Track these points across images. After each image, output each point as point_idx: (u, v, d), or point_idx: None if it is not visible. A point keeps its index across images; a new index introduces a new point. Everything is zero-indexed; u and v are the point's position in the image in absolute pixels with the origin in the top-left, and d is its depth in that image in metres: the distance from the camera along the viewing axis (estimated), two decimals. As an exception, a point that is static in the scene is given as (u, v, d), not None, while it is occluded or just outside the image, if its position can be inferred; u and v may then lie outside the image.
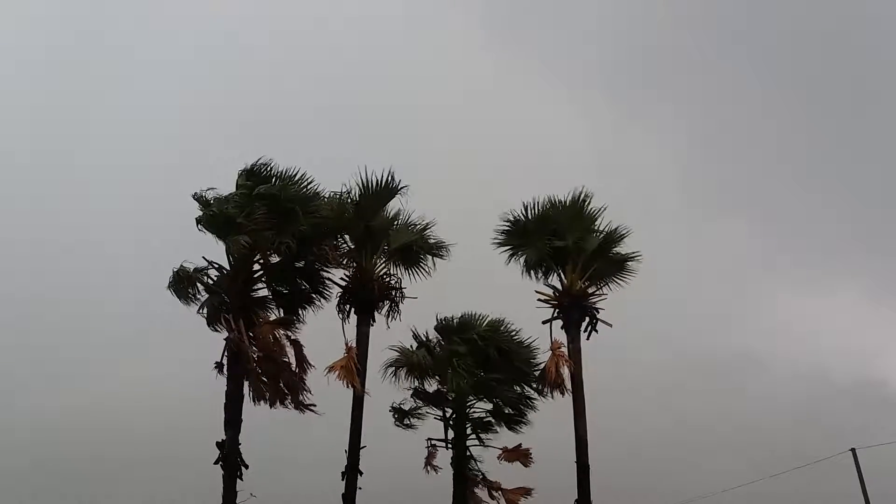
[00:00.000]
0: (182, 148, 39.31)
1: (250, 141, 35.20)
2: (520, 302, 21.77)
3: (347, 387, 18.55)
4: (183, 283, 18.95)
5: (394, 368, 20.98)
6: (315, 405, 18.97)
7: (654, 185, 41.57)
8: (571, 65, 50.21)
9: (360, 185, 20.31)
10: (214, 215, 18.87)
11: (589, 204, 21.68)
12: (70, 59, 42.55)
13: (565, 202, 21.64)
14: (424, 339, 21.23)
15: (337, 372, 18.46)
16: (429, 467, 20.19)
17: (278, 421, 18.78)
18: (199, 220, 19.10)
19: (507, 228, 21.87)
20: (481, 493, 20.69)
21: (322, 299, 20.35)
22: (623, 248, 21.61)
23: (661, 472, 26.35)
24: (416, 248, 21.04)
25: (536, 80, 46.77)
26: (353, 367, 18.80)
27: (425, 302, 21.16)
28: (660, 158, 44.51)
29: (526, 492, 20.10)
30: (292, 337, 19.25)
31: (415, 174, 20.99)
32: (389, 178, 20.25)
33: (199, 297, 19.23)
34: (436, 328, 21.22)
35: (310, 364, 19.07)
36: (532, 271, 21.86)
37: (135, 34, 46.03)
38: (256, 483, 17.54)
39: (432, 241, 21.21)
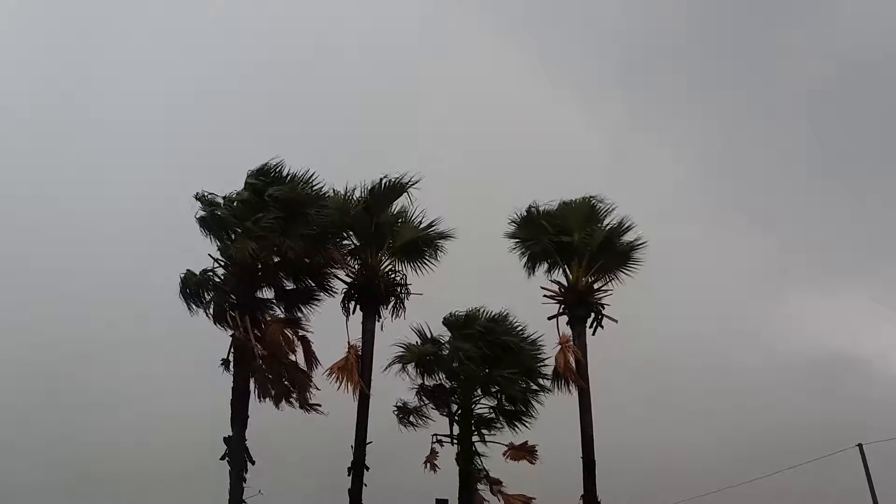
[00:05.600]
0: (182, 148, 39.13)
1: (251, 140, 35.24)
2: (527, 300, 21.87)
3: (346, 390, 18.64)
4: (192, 287, 18.90)
5: (401, 364, 20.90)
6: (320, 405, 18.97)
7: (664, 187, 41.54)
8: (583, 66, 50.18)
9: (370, 183, 20.47)
10: (220, 218, 18.86)
11: (597, 203, 21.94)
12: (69, 59, 42.47)
13: (574, 201, 21.92)
14: (430, 335, 21.17)
15: (335, 374, 18.61)
16: (429, 464, 20.07)
17: (285, 417, 18.77)
18: (201, 222, 19.10)
19: (516, 224, 22.05)
20: (484, 490, 20.63)
21: (327, 297, 20.37)
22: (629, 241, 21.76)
23: (666, 468, 26.31)
24: (422, 243, 21.06)
25: (547, 81, 46.67)
26: (353, 367, 18.86)
27: (431, 300, 21.24)
28: (669, 160, 44.48)
29: (527, 500, 19.98)
30: (301, 334, 19.26)
31: (422, 173, 20.98)
32: (398, 176, 20.43)
33: (205, 298, 19.20)
34: (444, 323, 21.17)
35: (318, 361, 19.10)
36: (538, 266, 21.98)
37: (135, 34, 45.83)
38: (264, 479, 17.55)
39: (438, 236, 21.21)
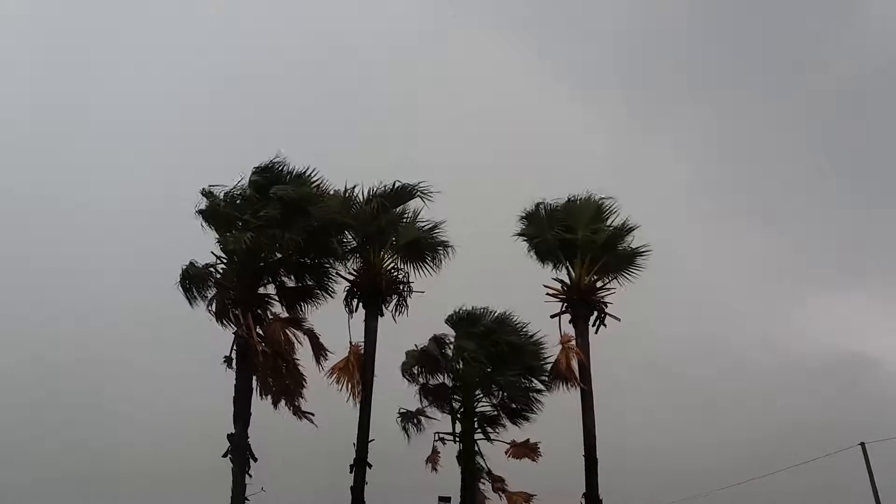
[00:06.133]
0: (182, 148, 39.07)
1: (251, 140, 35.22)
2: (529, 299, 21.87)
3: (346, 391, 18.65)
4: (192, 280, 18.90)
5: (404, 364, 20.87)
6: (313, 413, 18.89)
7: (668, 187, 41.54)
8: (583, 66, 50.09)
9: (373, 183, 20.53)
10: (218, 210, 18.87)
11: (603, 202, 21.99)
12: (69, 59, 42.43)
13: (580, 198, 21.97)
14: (435, 334, 21.16)
15: (336, 374, 18.63)
16: (431, 464, 20.04)
17: (288, 414, 18.74)
18: (202, 213, 19.07)
19: (524, 220, 22.07)
20: (486, 487, 20.61)
21: (329, 294, 20.34)
22: (633, 244, 21.79)
23: (667, 467, 26.28)
24: (425, 244, 21.00)
25: (547, 81, 46.68)
26: (353, 368, 18.85)
27: (434, 298, 21.20)
28: (670, 160, 44.50)
29: (528, 497, 19.96)
30: (307, 326, 19.26)
31: (426, 172, 21.13)
32: (407, 181, 20.55)
33: (206, 294, 19.18)
34: (447, 321, 21.15)
35: (324, 356, 19.04)
36: (542, 264, 21.94)
37: (135, 34, 45.78)
38: (267, 476, 17.50)
39: (441, 237, 21.17)
